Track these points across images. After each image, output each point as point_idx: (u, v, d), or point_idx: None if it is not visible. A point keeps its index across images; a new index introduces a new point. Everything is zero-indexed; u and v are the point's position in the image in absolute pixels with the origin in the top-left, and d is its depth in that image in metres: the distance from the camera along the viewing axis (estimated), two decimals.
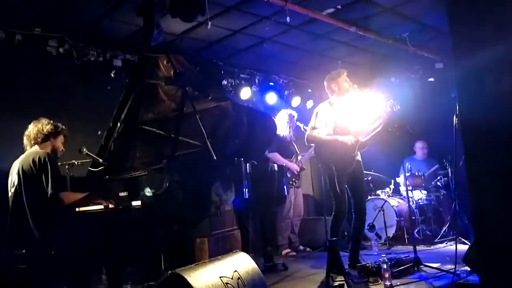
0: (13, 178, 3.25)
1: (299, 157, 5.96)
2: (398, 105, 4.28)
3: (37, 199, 3.12)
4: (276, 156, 5.75)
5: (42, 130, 3.39)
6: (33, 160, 3.17)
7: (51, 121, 3.48)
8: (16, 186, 3.18)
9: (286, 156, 5.85)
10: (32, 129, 3.42)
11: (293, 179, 5.89)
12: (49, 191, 3.13)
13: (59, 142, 3.49)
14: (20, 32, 4.73)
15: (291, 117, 5.96)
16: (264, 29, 5.47)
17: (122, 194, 3.54)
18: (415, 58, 6.81)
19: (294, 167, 5.86)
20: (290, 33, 5.71)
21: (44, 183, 3.14)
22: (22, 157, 3.33)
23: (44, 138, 3.39)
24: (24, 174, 3.16)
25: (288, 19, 5.03)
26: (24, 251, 2.95)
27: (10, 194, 3.24)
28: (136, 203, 3.15)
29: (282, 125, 5.87)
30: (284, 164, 5.60)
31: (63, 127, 3.55)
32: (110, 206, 3.30)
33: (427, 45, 6.36)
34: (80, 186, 3.76)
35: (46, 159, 3.21)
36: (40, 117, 3.51)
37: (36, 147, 3.36)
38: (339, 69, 4.54)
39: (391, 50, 6.45)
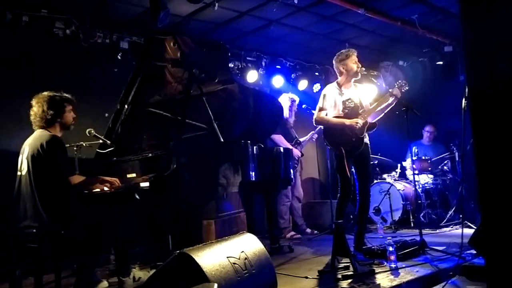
0: (22, 161, 3.26)
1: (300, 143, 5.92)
2: (407, 86, 4.25)
3: (45, 182, 3.14)
4: (281, 138, 5.67)
5: (46, 116, 3.28)
6: (41, 145, 3.16)
7: (52, 97, 3.31)
8: (25, 169, 3.20)
9: (287, 141, 5.78)
10: (36, 110, 3.30)
11: (296, 164, 5.86)
12: (59, 175, 3.13)
13: (68, 115, 3.38)
14: (27, 13, 4.71)
15: (293, 101, 5.89)
16: (272, 11, 5.41)
17: (130, 175, 3.58)
18: (424, 41, 6.72)
19: (296, 152, 5.81)
20: (297, 14, 5.64)
21: (54, 167, 3.15)
22: (30, 139, 3.31)
23: (50, 122, 3.32)
24: (32, 159, 3.16)
25: (295, 0, 4.96)
26: (34, 230, 2.99)
27: (19, 174, 3.27)
28: (144, 184, 3.18)
29: (284, 109, 5.77)
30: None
31: (67, 97, 3.37)
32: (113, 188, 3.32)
33: (436, 27, 6.27)
34: (89, 168, 3.80)
35: (54, 144, 3.19)
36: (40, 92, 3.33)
37: (44, 129, 3.33)
38: (348, 49, 4.46)
39: (399, 32, 6.36)
